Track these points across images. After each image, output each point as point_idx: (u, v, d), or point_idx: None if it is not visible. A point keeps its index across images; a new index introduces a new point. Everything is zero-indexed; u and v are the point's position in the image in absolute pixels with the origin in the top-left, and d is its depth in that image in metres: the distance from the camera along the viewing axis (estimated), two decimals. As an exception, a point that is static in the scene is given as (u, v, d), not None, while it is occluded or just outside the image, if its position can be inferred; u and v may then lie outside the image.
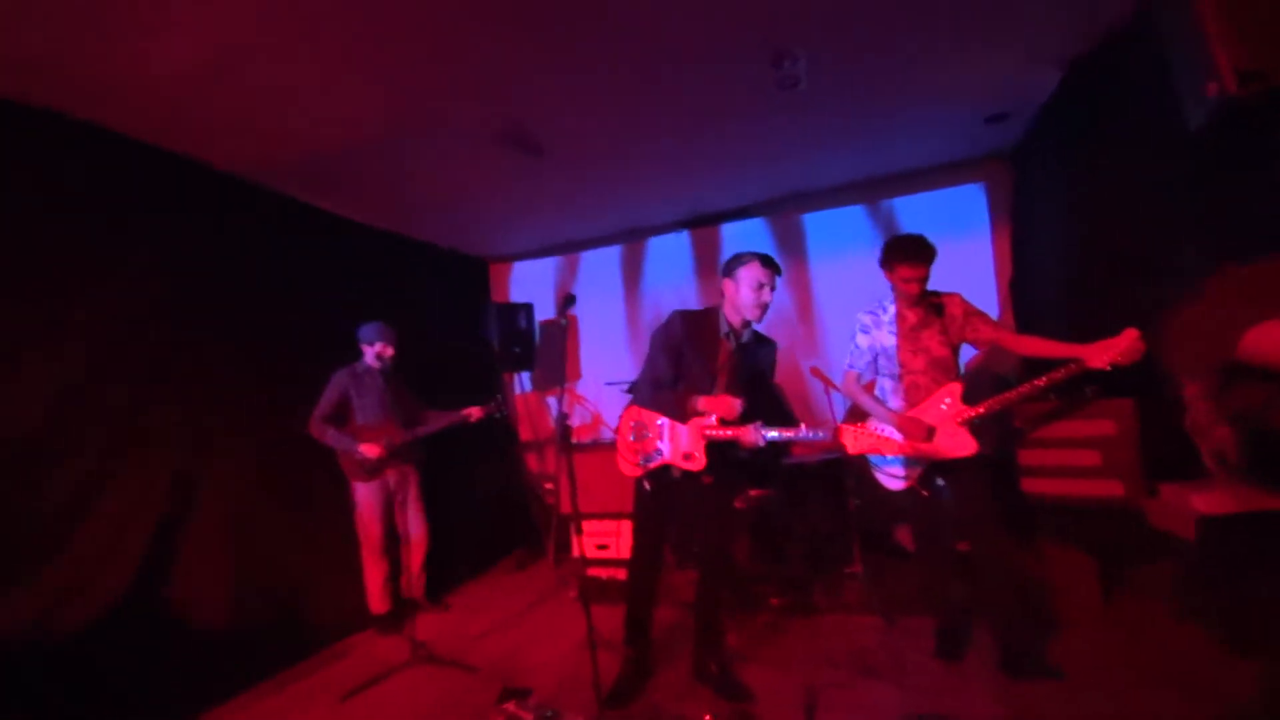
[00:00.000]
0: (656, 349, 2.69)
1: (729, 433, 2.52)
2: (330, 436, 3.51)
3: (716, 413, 2.51)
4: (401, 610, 3.66)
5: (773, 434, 2.46)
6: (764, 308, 2.56)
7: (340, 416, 3.60)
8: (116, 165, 2.96)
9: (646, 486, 2.68)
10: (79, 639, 2.52)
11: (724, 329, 2.63)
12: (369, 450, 3.51)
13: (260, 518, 3.34)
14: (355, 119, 3.09)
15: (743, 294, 2.55)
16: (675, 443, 2.63)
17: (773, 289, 2.56)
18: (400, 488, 3.76)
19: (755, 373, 2.70)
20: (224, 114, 2.92)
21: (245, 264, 3.52)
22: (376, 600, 3.68)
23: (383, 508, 3.68)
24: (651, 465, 2.63)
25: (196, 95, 2.74)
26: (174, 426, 3.04)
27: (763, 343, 2.75)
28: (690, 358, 2.63)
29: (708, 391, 2.60)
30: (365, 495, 3.63)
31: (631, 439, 2.68)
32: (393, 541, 3.74)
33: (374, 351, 3.68)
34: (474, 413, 3.82)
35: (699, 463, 2.56)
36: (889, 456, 2.78)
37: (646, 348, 2.81)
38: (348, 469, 3.61)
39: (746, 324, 2.63)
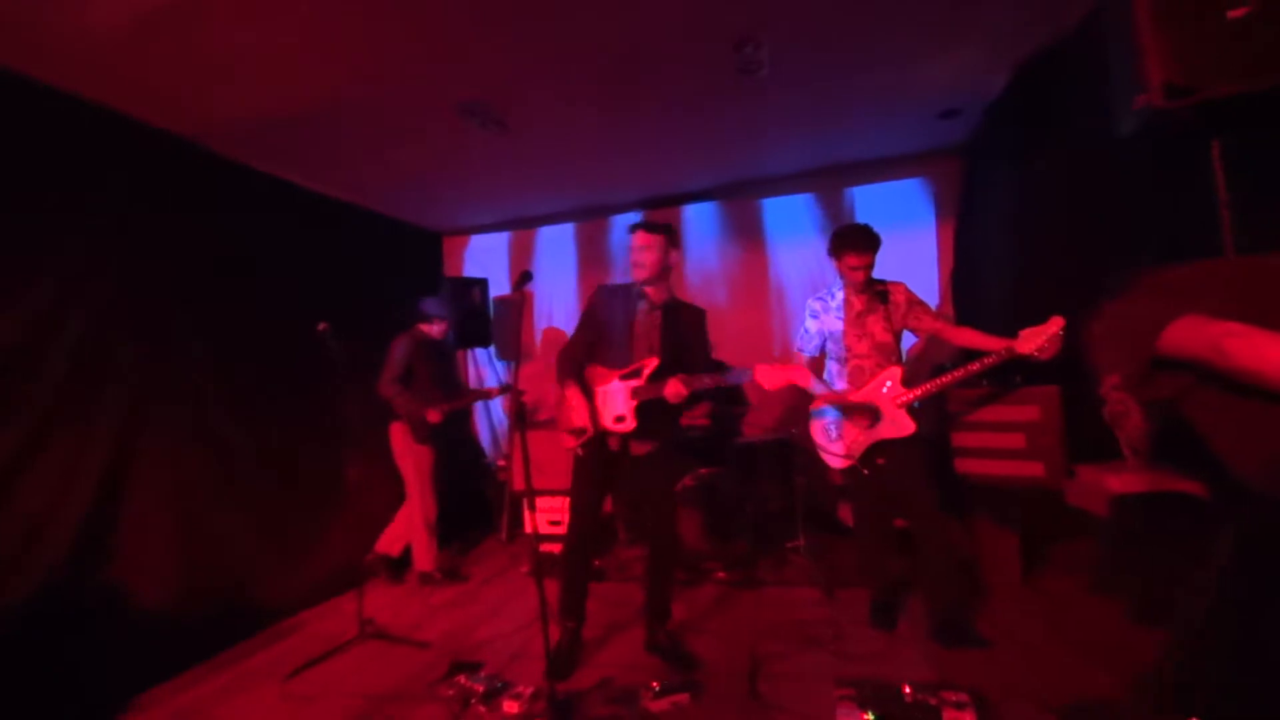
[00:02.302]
0: (579, 321, 2.83)
1: (655, 390, 2.58)
2: (404, 398, 3.74)
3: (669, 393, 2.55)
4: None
5: (695, 384, 2.53)
6: (639, 265, 2.67)
7: (404, 381, 3.79)
8: (57, 123, 2.78)
9: (580, 453, 2.72)
10: (11, 617, 2.41)
11: (637, 296, 2.74)
12: (433, 415, 3.79)
13: (204, 493, 3.23)
14: (309, 87, 2.97)
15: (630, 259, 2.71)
16: (607, 407, 2.67)
17: (650, 248, 2.65)
18: (438, 454, 4.03)
19: (680, 337, 2.75)
20: (173, 73, 2.77)
21: (190, 229, 3.35)
22: (429, 559, 3.91)
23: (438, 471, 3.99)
24: (587, 435, 2.67)
25: (145, 54, 2.60)
26: (113, 396, 2.89)
27: (684, 308, 2.83)
28: (609, 327, 2.75)
29: (626, 358, 2.69)
30: (429, 459, 3.90)
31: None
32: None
33: (439, 326, 4.01)
34: (493, 391, 4.45)
35: (629, 423, 2.62)
36: (830, 435, 2.91)
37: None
38: (414, 431, 3.82)
39: (666, 292, 2.75)
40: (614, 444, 2.70)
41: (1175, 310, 1.23)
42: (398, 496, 4.00)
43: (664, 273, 2.71)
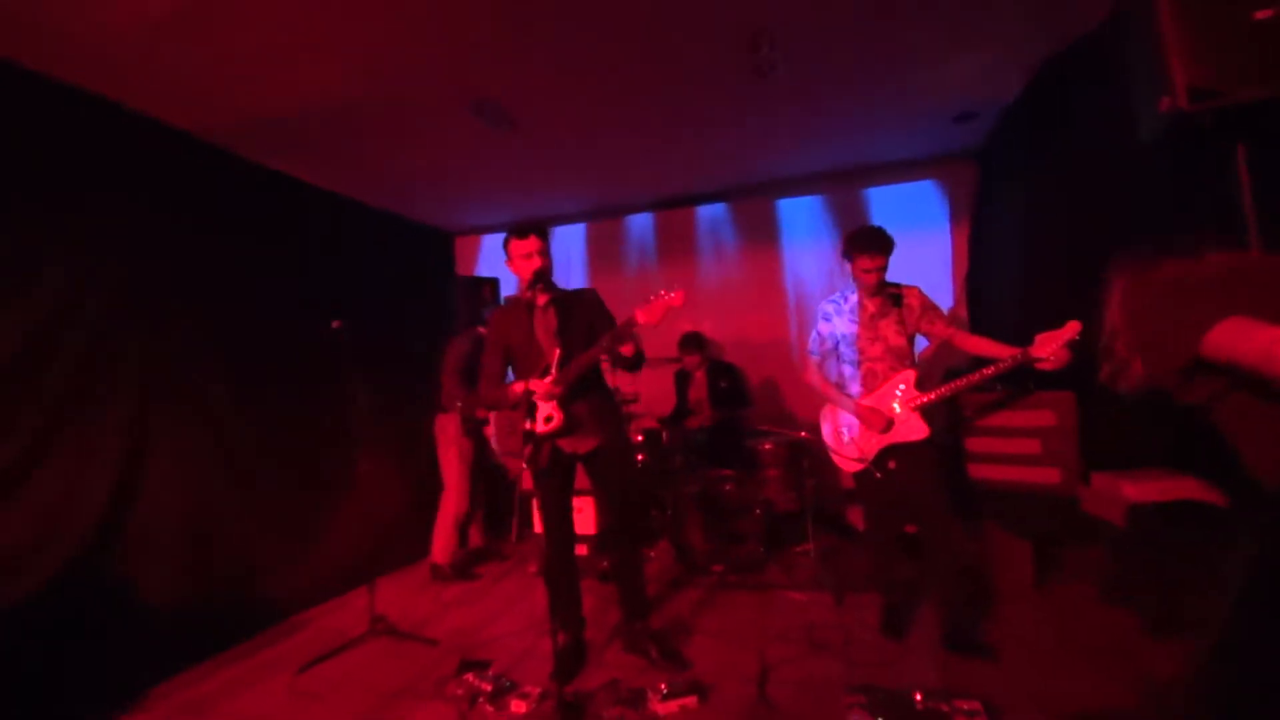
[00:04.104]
0: (484, 354, 2.84)
1: (567, 377, 2.56)
2: (467, 394, 3.83)
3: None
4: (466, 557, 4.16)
5: (595, 353, 2.52)
6: (529, 269, 2.67)
7: (465, 376, 3.88)
8: (71, 119, 2.82)
9: (538, 466, 2.68)
10: (23, 610, 2.43)
11: (527, 304, 2.76)
12: (481, 412, 3.91)
13: (216, 488, 3.26)
14: (319, 84, 2.99)
15: (515, 266, 2.72)
16: (537, 414, 2.64)
17: (537, 251, 2.67)
18: (477, 452, 4.12)
19: (579, 321, 2.74)
20: (185, 72, 2.80)
21: (202, 225, 3.39)
22: (447, 553, 3.97)
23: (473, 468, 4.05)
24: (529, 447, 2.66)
25: (154, 51, 2.62)
26: (125, 392, 2.92)
27: (573, 294, 2.85)
28: (513, 346, 2.77)
29: (539, 365, 2.66)
30: (471, 453, 3.99)
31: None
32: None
33: None
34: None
35: (558, 418, 2.59)
36: (844, 438, 2.89)
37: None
38: (464, 425, 3.92)
39: (553, 289, 2.76)
40: (566, 446, 2.69)
41: (1216, 312, 1.18)
42: (407, 491, 4.02)
43: (548, 274, 2.75)
